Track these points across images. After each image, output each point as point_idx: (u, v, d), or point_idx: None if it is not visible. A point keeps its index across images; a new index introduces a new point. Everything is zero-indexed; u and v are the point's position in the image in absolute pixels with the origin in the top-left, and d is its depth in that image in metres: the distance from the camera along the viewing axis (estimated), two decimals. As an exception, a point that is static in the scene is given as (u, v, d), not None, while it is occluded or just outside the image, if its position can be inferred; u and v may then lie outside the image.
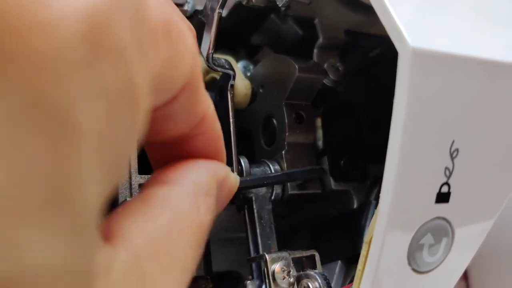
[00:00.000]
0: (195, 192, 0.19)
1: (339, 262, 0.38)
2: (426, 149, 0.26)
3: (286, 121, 0.40)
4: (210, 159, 0.21)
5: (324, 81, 0.42)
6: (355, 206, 0.40)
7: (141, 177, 0.32)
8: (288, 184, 0.38)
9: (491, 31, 0.28)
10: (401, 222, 0.26)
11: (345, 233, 0.39)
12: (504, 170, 0.28)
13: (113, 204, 0.32)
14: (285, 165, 0.39)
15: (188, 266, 0.16)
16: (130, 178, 0.31)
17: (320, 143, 0.42)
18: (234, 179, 0.24)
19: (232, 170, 0.37)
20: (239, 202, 0.38)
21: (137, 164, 0.32)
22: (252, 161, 0.39)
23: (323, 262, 0.36)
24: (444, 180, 0.26)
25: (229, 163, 0.37)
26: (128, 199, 0.29)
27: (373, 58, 0.45)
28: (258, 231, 0.37)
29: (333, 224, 0.41)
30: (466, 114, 0.26)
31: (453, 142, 0.26)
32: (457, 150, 0.26)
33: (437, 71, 0.25)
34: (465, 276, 0.68)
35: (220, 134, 0.22)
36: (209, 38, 0.37)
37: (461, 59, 0.25)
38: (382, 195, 0.26)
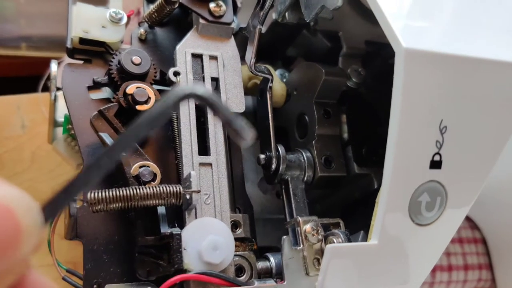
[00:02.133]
0: None
1: (362, 232, 0.45)
2: (419, 126, 0.33)
3: (316, 116, 0.48)
4: None
5: (348, 83, 0.50)
6: (375, 187, 0.48)
7: (200, 158, 0.41)
8: (318, 166, 0.46)
9: (472, 32, 0.35)
10: (401, 183, 0.33)
11: (366, 209, 0.47)
12: (487, 145, 0.35)
13: (179, 179, 0.41)
14: (315, 152, 0.47)
15: None
16: (192, 157, 0.40)
17: (345, 135, 0.49)
18: None
19: (272, 156, 0.45)
20: (279, 181, 0.46)
21: (197, 147, 0.41)
22: (287, 150, 0.47)
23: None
24: (436, 150, 0.34)
25: (269, 150, 0.46)
26: (192, 172, 0.38)
27: (392, 64, 0.52)
28: (293, 205, 0.45)
29: (357, 202, 0.49)
30: (451, 99, 0.34)
31: (441, 120, 0.34)
32: (445, 127, 0.34)
33: (426, 65, 0.32)
34: (490, 266, 0.73)
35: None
36: (251, 49, 0.46)
37: (445, 56, 0.33)
38: (385, 163, 0.33)
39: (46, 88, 0.58)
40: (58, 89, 0.47)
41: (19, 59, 0.70)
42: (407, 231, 0.35)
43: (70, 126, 0.46)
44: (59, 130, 0.49)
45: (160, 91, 0.43)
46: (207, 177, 0.40)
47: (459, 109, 0.34)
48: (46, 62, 0.54)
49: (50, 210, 0.20)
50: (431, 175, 0.34)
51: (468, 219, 0.75)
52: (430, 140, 0.34)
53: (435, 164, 0.34)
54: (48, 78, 0.47)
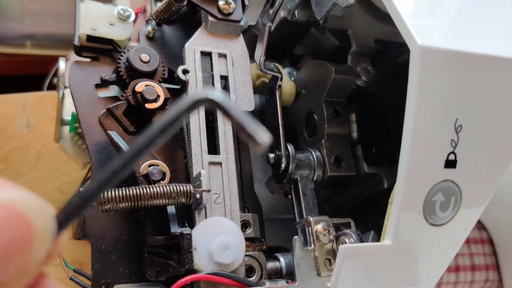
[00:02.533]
0: None
1: (372, 232, 0.44)
2: (434, 125, 0.33)
3: (325, 115, 0.47)
4: None
5: (357, 82, 0.49)
6: (385, 186, 0.47)
7: (210, 156, 0.40)
8: (328, 166, 0.45)
9: (486, 29, 0.35)
10: (415, 182, 0.33)
11: (376, 209, 0.46)
12: (502, 144, 0.35)
13: (188, 178, 0.40)
14: (325, 151, 0.46)
15: None
16: (202, 156, 0.40)
17: (354, 134, 0.49)
18: None
19: (281, 155, 0.45)
20: (288, 180, 0.45)
21: (206, 145, 0.40)
22: (296, 149, 0.47)
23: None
24: (451, 149, 0.33)
25: (278, 149, 0.45)
26: (202, 171, 0.37)
27: (401, 63, 0.52)
28: (303, 205, 0.44)
29: (367, 202, 0.48)
30: (466, 97, 0.33)
31: (456, 119, 0.33)
32: (460, 126, 0.33)
33: (441, 63, 0.32)
34: (497, 267, 0.73)
35: None
36: (261, 47, 0.45)
37: (460, 53, 0.32)
38: (400, 162, 0.33)
39: (51, 86, 0.58)
40: (65, 87, 0.46)
41: (24, 57, 0.70)
42: (421, 231, 0.34)
43: (77, 125, 0.46)
44: (66, 128, 0.49)
45: (168, 90, 0.42)
46: (216, 176, 0.40)
47: (474, 108, 0.33)
48: (51, 60, 0.53)
49: (65, 217, 0.20)
50: (446, 174, 0.34)
51: (475, 219, 0.74)
52: (445, 139, 0.33)
53: (450, 164, 0.33)
54: (55, 75, 0.46)
